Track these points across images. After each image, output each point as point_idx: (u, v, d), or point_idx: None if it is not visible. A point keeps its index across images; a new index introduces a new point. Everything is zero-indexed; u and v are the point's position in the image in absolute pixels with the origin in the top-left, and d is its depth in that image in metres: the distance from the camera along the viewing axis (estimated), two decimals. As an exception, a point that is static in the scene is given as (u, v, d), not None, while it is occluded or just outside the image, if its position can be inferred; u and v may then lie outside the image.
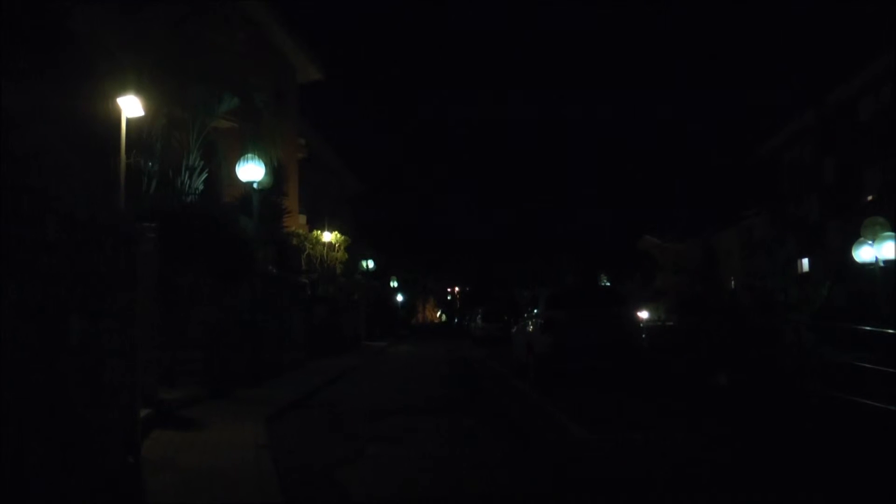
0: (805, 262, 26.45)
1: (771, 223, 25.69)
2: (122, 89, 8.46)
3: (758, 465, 5.59)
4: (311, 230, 22.39)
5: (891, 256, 13.65)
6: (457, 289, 79.51)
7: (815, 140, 27.88)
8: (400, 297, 47.79)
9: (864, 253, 14.52)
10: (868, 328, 10.04)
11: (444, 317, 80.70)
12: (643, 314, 22.34)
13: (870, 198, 23.97)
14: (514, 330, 16.37)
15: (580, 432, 7.10)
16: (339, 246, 22.42)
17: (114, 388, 4.47)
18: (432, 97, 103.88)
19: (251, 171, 13.22)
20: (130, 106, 8.61)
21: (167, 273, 8.80)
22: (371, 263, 31.80)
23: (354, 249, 25.15)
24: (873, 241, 14.16)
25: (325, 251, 21.75)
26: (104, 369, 4.34)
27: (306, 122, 25.25)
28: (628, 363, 11.46)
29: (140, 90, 8.71)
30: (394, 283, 44.04)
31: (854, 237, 15.22)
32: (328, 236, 22.00)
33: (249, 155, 13.29)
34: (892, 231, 13.91)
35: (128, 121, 8.74)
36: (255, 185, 13.43)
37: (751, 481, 5.10)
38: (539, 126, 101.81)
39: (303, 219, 23.32)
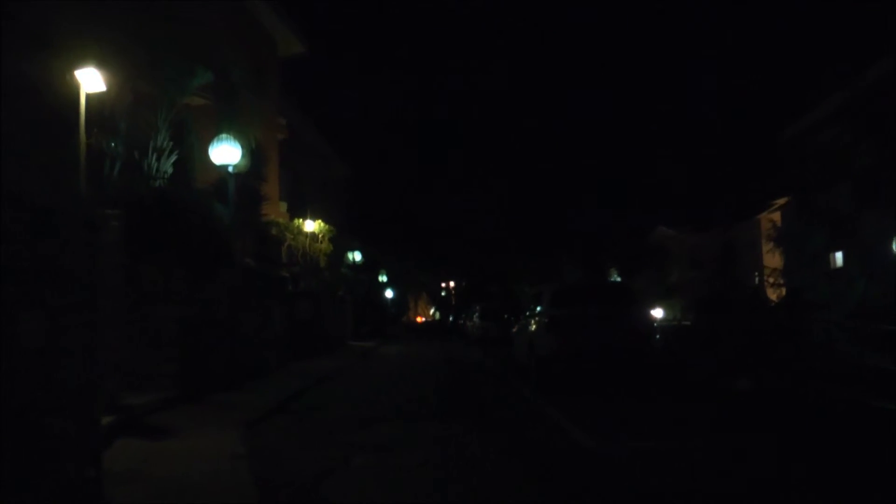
0: (838, 256, 26.47)
1: (798, 213, 25.64)
2: (82, 61, 8.36)
3: (787, 478, 5.58)
4: (292, 219, 22.33)
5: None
6: (452, 284, 79.61)
7: (848, 122, 27.82)
8: (390, 293, 47.77)
9: (906, 247, 14.50)
10: None
11: (437, 314, 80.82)
12: (657, 313, 22.37)
13: (912, 185, 23.95)
14: (514, 329, 16.37)
15: (588, 442, 7.08)
16: (322, 236, 22.36)
17: (73, 392, 4.42)
18: (427, 74, 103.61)
19: (226, 152, 13.13)
20: (90, 80, 8.52)
21: (134, 265, 8.76)
22: (358, 256, 31.75)
23: (340, 240, 25.11)
24: (916, 233, 14.14)
25: (307, 242, 21.69)
26: (62, 371, 4.29)
27: (288, 99, 25.16)
28: (640, 366, 11.46)
29: (102, 62, 8.62)
30: (383, 278, 43.99)
31: (893, 229, 15.20)
32: (311, 225, 21.93)
33: (224, 135, 13.19)
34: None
35: (88, 96, 8.65)
36: (230, 169, 13.35)
37: (780, 496, 5.09)
38: (546, 104, 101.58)
39: (283, 206, 23.26)
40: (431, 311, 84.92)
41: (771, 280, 22.95)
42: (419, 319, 76.42)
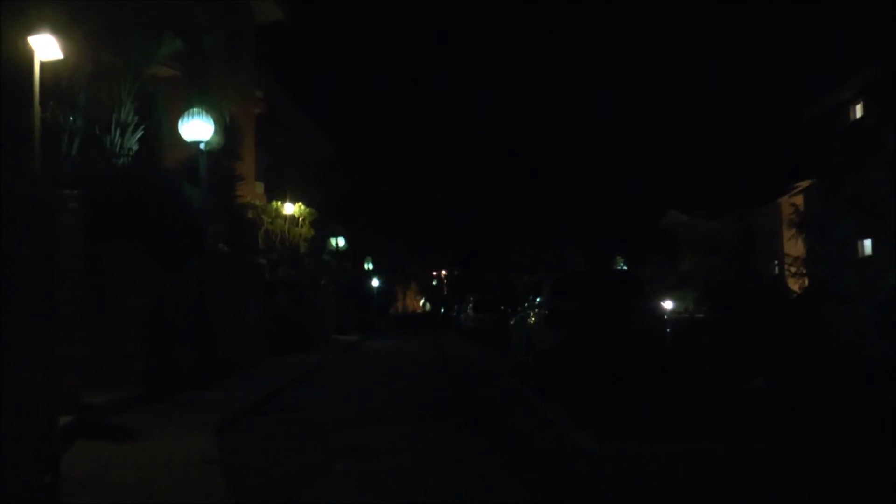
0: (867, 243, 26.49)
1: (824, 197, 25.65)
2: (35, 26, 8.26)
3: (809, 489, 5.58)
4: (270, 201, 22.27)
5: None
6: (444, 273, 79.69)
7: (880, 98, 27.76)
8: (376, 282, 47.78)
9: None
10: None
11: (428, 305, 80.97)
12: (667, 304, 22.43)
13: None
14: (512, 322, 16.36)
15: (591, 445, 7.09)
16: (303, 220, 22.30)
17: (25, 390, 4.38)
18: (418, 40, 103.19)
19: (197, 128, 13.04)
20: (46, 47, 8.42)
21: (95, 251, 8.69)
22: (342, 241, 31.74)
23: (322, 225, 25.07)
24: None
25: (286, 226, 21.63)
26: (14, 367, 4.25)
27: (265, 70, 25.01)
28: (649, 363, 11.46)
29: (59, 28, 8.52)
30: (369, 266, 44.00)
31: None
32: (290, 208, 21.87)
33: (195, 109, 13.09)
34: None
35: (43, 65, 8.56)
36: (202, 146, 13.26)
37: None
38: (547, 75, 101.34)
39: (260, 187, 23.19)
40: (421, 301, 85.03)
41: (793, 269, 22.98)
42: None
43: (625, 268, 41.05)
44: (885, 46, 28.09)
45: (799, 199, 32.46)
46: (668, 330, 12.13)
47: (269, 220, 21.06)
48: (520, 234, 55.76)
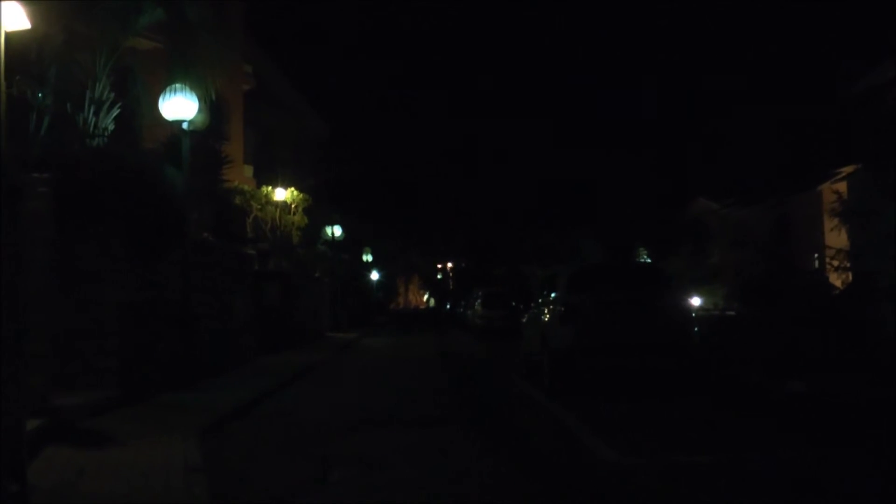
0: (920, 235, 26.38)
1: (870, 184, 25.50)
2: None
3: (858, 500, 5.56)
4: (259, 185, 22.31)
5: None
6: (450, 265, 79.72)
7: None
8: (375, 275, 47.81)
9: None
10: None
11: (432, 301, 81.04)
12: (694, 300, 22.34)
13: None
14: (524, 319, 16.37)
15: (610, 454, 7.07)
16: (296, 207, 22.32)
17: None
18: (420, 12, 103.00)
19: (180, 106, 12.98)
20: (11, 15, 8.37)
21: (66, 240, 8.69)
22: (338, 231, 31.73)
23: (317, 212, 25.08)
24: None
25: (277, 213, 21.66)
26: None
27: (255, 43, 25.01)
28: (674, 364, 11.44)
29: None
30: (367, 257, 44.01)
31: None
32: (282, 194, 21.88)
33: (178, 85, 13.03)
34: None
35: (8, 36, 8.50)
36: (184, 126, 13.23)
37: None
38: (567, 48, 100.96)
39: (249, 171, 23.22)
40: (425, 296, 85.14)
41: (835, 263, 22.95)
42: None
43: (648, 260, 40.95)
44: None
45: (842, 186, 32.28)
46: (694, 328, 12.09)
47: (259, 206, 21.07)
48: (533, 222, 55.72)
